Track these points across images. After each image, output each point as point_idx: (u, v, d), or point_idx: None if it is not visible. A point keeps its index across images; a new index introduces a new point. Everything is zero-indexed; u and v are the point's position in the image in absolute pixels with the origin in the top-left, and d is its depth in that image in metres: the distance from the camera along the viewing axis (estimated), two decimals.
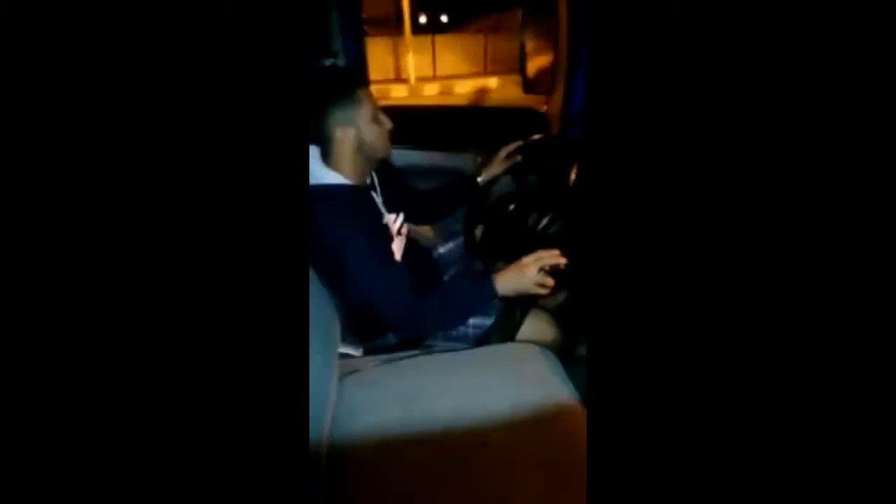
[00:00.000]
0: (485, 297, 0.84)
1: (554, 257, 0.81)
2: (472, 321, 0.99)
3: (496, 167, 1.13)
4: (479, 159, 1.13)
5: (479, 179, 1.14)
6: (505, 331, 0.88)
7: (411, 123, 1.42)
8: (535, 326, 0.99)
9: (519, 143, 1.14)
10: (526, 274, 0.82)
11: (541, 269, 0.81)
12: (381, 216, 0.93)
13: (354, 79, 0.90)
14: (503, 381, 0.70)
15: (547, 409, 0.66)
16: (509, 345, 0.82)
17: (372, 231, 0.87)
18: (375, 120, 0.88)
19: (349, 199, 0.88)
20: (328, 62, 1.40)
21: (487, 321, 0.97)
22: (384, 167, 1.02)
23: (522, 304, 0.86)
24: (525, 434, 0.63)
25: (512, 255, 0.87)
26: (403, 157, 1.43)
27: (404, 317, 0.84)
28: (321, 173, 0.89)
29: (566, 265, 0.81)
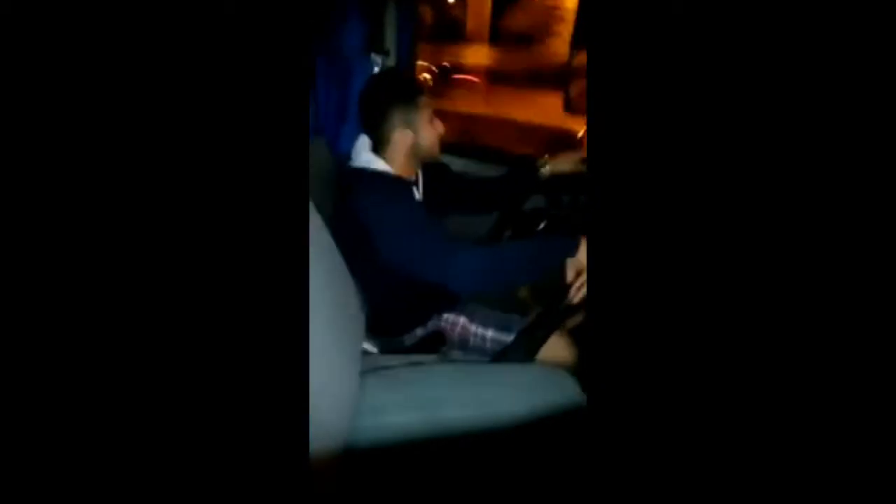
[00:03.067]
0: (564, 247, 0.86)
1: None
2: (490, 334, 1.00)
3: (564, 163, 1.12)
4: (546, 157, 1.12)
5: (543, 170, 1.12)
6: (526, 349, 0.88)
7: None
8: (554, 348, 0.99)
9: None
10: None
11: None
12: (421, 207, 0.95)
13: (416, 86, 0.94)
14: (524, 400, 0.71)
15: (564, 433, 0.66)
16: (532, 365, 0.83)
17: (412, 210, 0.90)
18: (431, 124, 0.94)
19: (392, 185, 0.91)
20: (378, 58, 1.42)
21: (507, 337, 0.97)
22: (431, 170, 1.04)
23: (546, 324, 0.86)
24: (540, 454, 0.64)
25: None
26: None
27: (461, 267, 0.83)
28: (368, 158, 0.93)
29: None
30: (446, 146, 1.03)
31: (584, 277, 0.83)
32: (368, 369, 0.80)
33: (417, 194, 0.98)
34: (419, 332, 1.04)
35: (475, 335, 1.00)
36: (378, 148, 0.93)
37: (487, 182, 1.17)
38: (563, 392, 0.72)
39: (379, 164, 0.92)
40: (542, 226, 1.14)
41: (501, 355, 0.96)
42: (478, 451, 0.65)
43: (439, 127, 0.95)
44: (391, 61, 1.43)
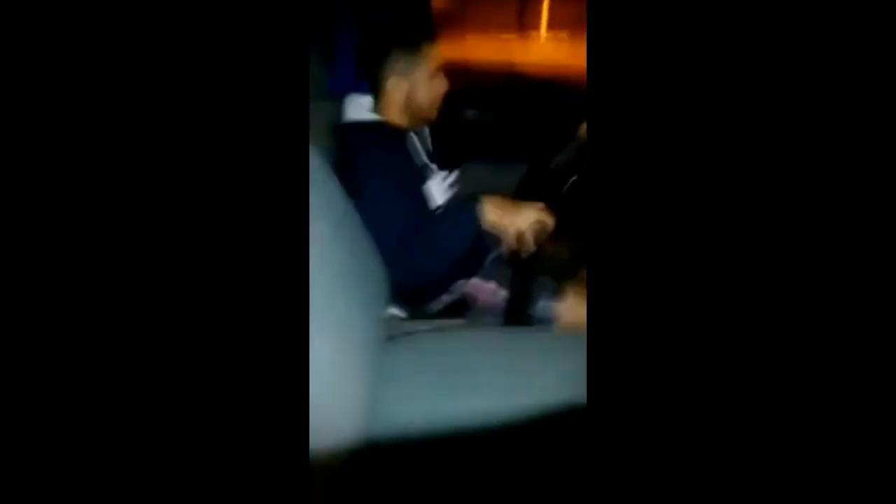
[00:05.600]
0: (465, 227, 0.80)
1: (545, 217, 0.78)
2: (502, 293, 0.98)
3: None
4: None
5: (580, 135, 1.06)
6: (517, 307, 0.86)
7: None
8: (576, 306, 0.96)
9: None
10: (520, 214, 0.77)
11: (532, 226, 0.77)
12: (413, 157, 0.89)
13: (423, 31, 0.84)
14: (547, 369, 0.70)
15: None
16: (556, 333, 0.81)
17: (394, 165, 0.83)
18: (432, 79, 0.84)
19: (380, 133, 0.84)
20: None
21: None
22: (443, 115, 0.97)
23: (532, 276, 0.83)
24: (571, 423, 0.63)
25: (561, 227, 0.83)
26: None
27: (394, 254, 0.80)
28: (358, 111, 0.86)
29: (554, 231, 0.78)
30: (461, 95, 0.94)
31: (515, 231, 0.78)
32: (396, 335, 0.80)
33: (417, 142, 0.90)
34: (445, 297, 1.03)
35: (504, 299, 0.98)
36: (374, 102, 0.85)
37: (516, 131, 1.11)
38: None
39: (367, 116, 0.84)
40: (568, 185, 1.09)
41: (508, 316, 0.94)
42: (506, 418, 0.64)
43: (442, 85, 0.84)
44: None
